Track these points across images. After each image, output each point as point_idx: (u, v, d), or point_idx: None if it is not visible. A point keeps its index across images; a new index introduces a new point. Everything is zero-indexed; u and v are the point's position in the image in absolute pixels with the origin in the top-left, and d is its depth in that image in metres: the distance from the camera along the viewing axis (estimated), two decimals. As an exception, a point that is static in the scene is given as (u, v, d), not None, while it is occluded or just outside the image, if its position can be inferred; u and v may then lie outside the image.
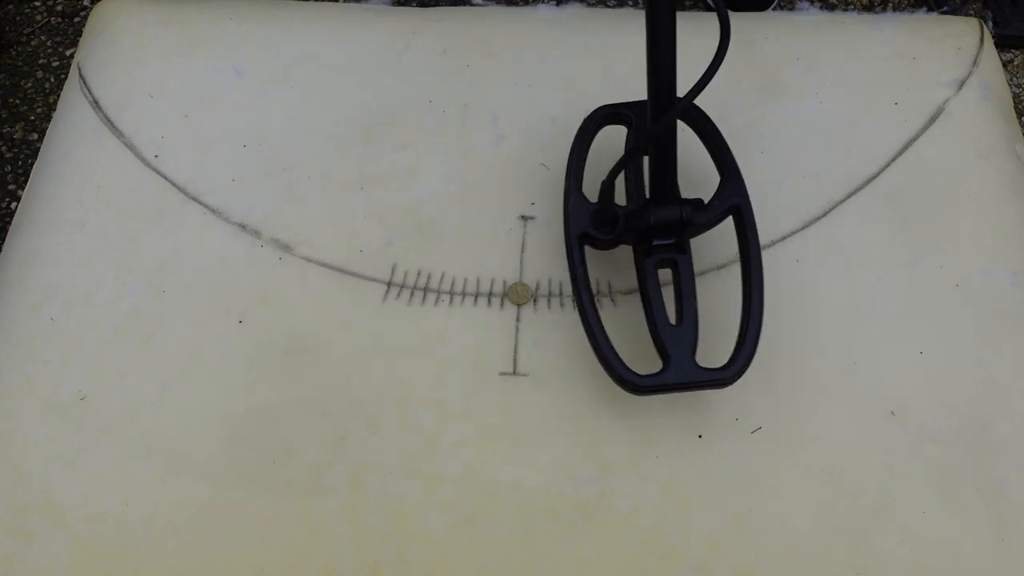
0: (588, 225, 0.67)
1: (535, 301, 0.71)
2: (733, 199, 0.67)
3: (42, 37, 1.54)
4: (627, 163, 0.61)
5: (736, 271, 0.67)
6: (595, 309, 0.65)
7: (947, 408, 0.67)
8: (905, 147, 0.78)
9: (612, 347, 0.63)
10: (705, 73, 0.57)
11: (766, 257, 0.73)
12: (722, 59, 0.57)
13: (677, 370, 0.63)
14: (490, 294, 0.71)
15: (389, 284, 0.72)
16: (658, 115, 0.63)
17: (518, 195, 0.75)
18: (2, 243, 0.78)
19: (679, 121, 0.69)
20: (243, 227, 0.74)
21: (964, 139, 0.78)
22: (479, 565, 0.63)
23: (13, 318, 0.71)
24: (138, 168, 0.77)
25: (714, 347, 0.67)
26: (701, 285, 0.71)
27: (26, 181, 1.19)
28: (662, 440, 0.66)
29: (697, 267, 0.72)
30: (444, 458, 0.65)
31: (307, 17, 0.86)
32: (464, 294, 0.71)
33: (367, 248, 0.73)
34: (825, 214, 0.75)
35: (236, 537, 0.63)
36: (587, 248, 0.68)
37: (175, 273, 0.72)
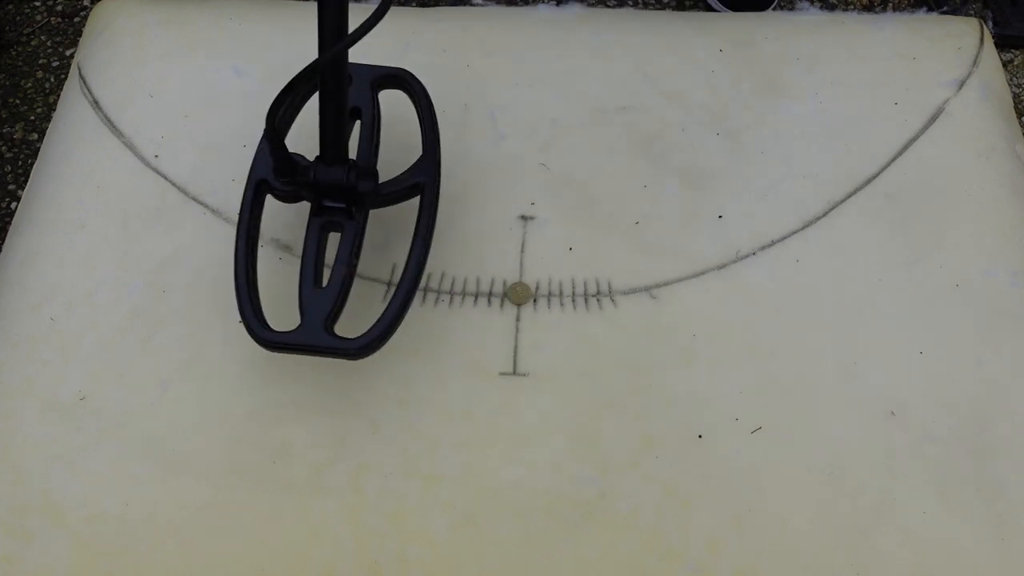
0: (269, 172, 0.64)
1: (535, 301, 0.71)
2: (420, 177, 0.66)
3: (42, 37, 1.54)
4: (281, 102, 0.58)
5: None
6: (250, 259, 0.63)
7: (947, 408, 0.67)
8: (905, 147, 0.78)
9: (254, 299, 0.62)
10: (373, 13, 0.55)
11: (766, 257, 0.73)
12: (387, 7, 0.55)
13: (307, 332, 0.61)
14: (490, 294, 0.71)
15: (389, 284, 0.72)
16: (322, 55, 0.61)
17: (518, 195, 0.75)
18: (2, 243, 0.78)
19: (402, 92, 0.69)
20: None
21: (964, 139, 0.78)
22: (479, 565, 0.63)
23: (13, 318, 0.71)
24: (138, 168, 0.77)
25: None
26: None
27: (26, 181, 1.19)
28: (662, 440, 0.66)
29: (689, 269, 0.72)
30: (444, 458, 0.65)
31: (307, 17, 0.86)
32: (464, 294, 0.71)
33: (367, 248, 0.73)
34: (825, 214, 0.75)
35: (236, 537, 0.63)
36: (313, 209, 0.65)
37: (175, 273, 0.72)
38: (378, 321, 0.61)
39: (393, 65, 0.72)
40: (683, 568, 0.62)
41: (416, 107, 0.69)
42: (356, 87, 0.69)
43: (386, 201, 0.67)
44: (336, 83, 0.62)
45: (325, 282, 0.64)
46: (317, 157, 0.64)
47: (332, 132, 0.63)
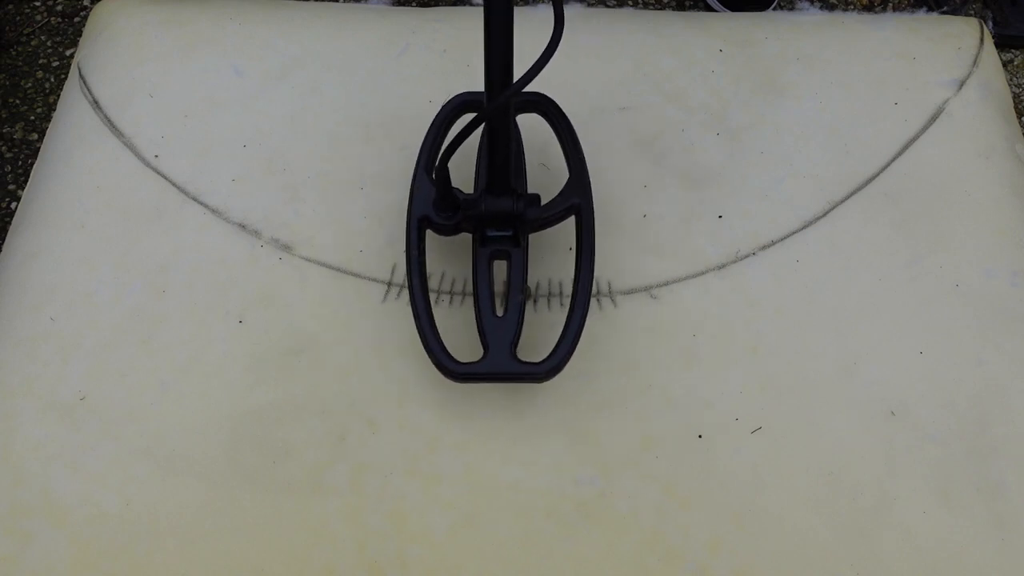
0: (430, 209, 0.66)
1: (535, 301, 0.71)
2: (574, 199, 0.67)
3: (42, 37, 1.54)
4: (456, 147, 0.60)
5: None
6: (426, 295, 0.65)
7: (947, 408, 0.67)
8: (905, 147, 0.78)
9: (436, 333, 0.63)
10: (538, 60, 0.56)
11: (766, 257, 0.73)
12: (556, 46, 0.56)
13: (494, 360, 0.63)
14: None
15: (389, 284, 0.72)
16: (491, 101, 0.62)
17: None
18: (2, 243, 0.78)
19: (540, 117, 0.70)
20: (243, 227, 0.74)
21: (964, 139, 0.78)
22: (479, 565, 0.63)
23: (13, 318, 0.71)
24: (138, 168, 0.77)
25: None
26: (688, 286, 0.71)
27: (26, 181, 1.19)
28: (662, 440, 0.66)
29: (689, 269, 0.72)
30: (444, 458, 0.65)
31: (307, 17, 0.86)
32: (464, 294, 0.71)
33: (367, 248, 0.73)
34: (825, 214, 0.75)
35: (236, 537, 0.63)
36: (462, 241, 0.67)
37: (175, 273, 0.72)
38: (560, 343, 0.63)
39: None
40: (683, 568, 0.62)
41: (555, 130, 0.71)
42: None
43: (543, 225, 0.68)
44: (503, 121, 0.63)
45: (501, 311, 0.66)
46: (483, 189, 0.66)
47: (501, 165, 0.65)
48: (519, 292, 0.66)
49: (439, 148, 0.69)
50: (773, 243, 0.74)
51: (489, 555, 0.63)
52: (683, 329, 0.70)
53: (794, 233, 0.74)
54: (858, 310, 0.71)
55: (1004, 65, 1.35)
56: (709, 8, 1.51)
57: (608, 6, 1.53)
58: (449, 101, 0.71)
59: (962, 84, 0.81)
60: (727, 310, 0.71)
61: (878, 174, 0.77)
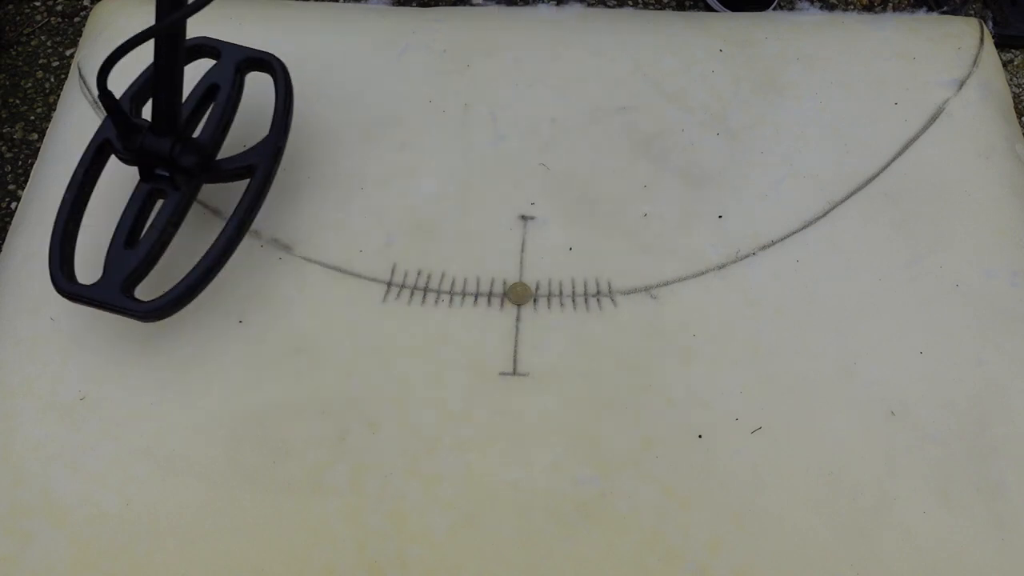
0: (114, 134, 0.66)
1: (535, 301, 0.71)
2: (253, 159, 0.68)
3: (42, 37, 1.54)
4: (115, 59, 0.59)
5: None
6: (77, 212, 0.65)
7: (947, 408, 0.67)
8: (905, 147, 0.78)
9: (66, 249, 0.63)
10: None
11: (766, 257, 0.73)
12: None
13: (101, 288, 0.63)
14: (490, 294, 0.71)
15: (389, 284, 0.72)
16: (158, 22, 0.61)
17: (518, 195, 0.75)
18: (2, 243, 0.78)
19: (266, 75, 0.70)
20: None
21: (964, 139, 0.78)
22: (479, 565, 0.63)
23: (13, 318, 0.71)
24: (138, 168, 0.77)
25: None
26: (685, 287, 0.71)
27: (26, 181, 1.19)
28: (662, 440, 0.66)
29: (689, 269, 0.72)
30: (444, 458, 0.65)
31: (307, 17, 0.86)
32: (464, 294, 0.71)
33: (367, 248, 0.73)
34: (825, 214, 0.75)
35: (236, 537, 0.63)
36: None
37: (175, 273, 0.72)
38: (173, 288, 0.63)
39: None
40: (683, 568, 0.62)
41: (277, 92, 0.71)
42: (221, 66, 0.71)
43: (218, 178, 0.69)
44: (169, 55, 0.63)
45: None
46: (149, 125, 0.66)
47: (163, 103, 0.64)
48: (158, 231, 0.65)
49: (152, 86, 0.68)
50: (773, 243, 0.74)
51: (489, 555, 0.63)
52: (683, 329, 0.70)
53: (794, 233, 0.74)
54: (858, 310, 0.71)
55: (1004, 65, 1.35)
56: (709, 8, 1.51)
57: (608, 6, 1.53)
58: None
59: (962, 84, 0.81)
60: (727, 310, 0.71)
61: (878, 174, 0.77)
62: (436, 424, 0.66)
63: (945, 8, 1.55)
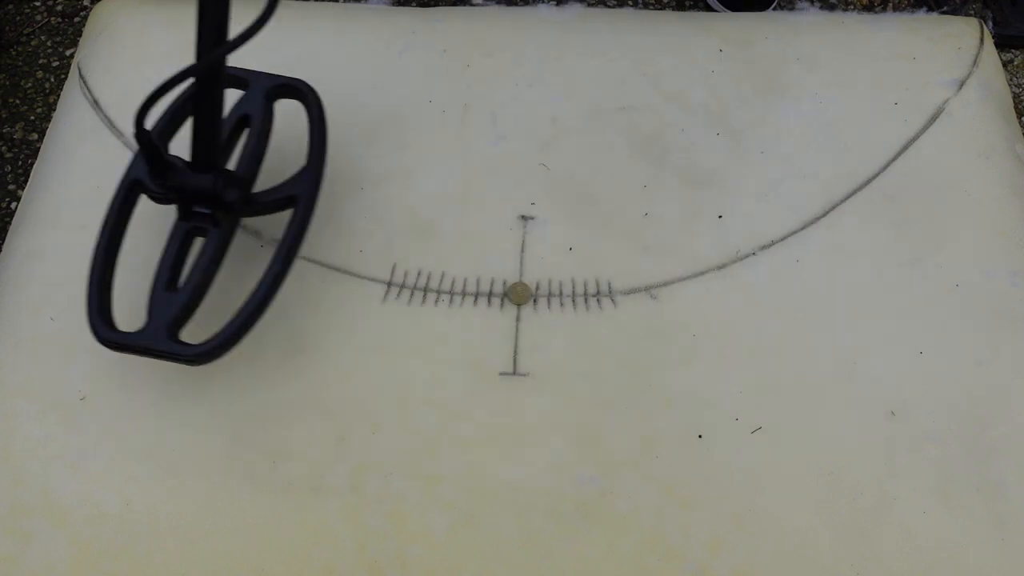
0: (145, 173, 0.64)
1: (535, 301, 0.71)
2: (294, 189, 0.66)
3: (42, 37, 1.54)
4: (155, 99, 0.57)
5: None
6: (111, 256, 0.63)
7: (947, 408, 0.67)
8: (905, 147, 0.78)
9: (103, 296, 0.61)
10: (252, 25, 0.54)
11: (766, 257, 0.73)
12: (272, 11, 0.54)
13: (148, 334, 0.61)
14: (490, 294, 0.71)
15: (389, 284, 0.72)
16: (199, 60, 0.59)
17: (518, 195, 0.75)
18: (2, 243, 0.78)
19: (297, 102, 0.69)
20: (243, 227, 0.74)
21: (964, 139, 0.78)
22: (479, 565, 0.63)
23: (13, 318, 0.71)
24: (138, 168, 0.77)
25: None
26: (683, 288, 0.71)
27: (26, 181, 1.19)
28: (662, 440, 0.66)
29: (689, 269, 0.72)
30: (444, 458, 0.65)
31: (307, 17, 0.86)
32: (464, 294, 0.71)
33: (367, 248, 0.73)
34: (825, 214, 0.75)
35: (236, 537, 0.63)
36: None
37: (175, 273, 0.72)
38: (222, 330, 0.61)
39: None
40: (683, 568, 0.62)
41: (309, 120, 0.69)
42: (250, 95, 0.69)
43: (258, 211, 0.67)
44: (210, 89, 0.61)
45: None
46: (187, 162, 0.63)
47: (203, 138, 0.63)
48: (202, 272, 0.63)
49: (167, 115, 0.66)
50: (773, 243, 0.74)
51: (489, 555, 0.63)
52: (683, 329, 0.70)
53: (794, 233, 0.74)
54: (858, 310, 0.71)
55: (1004, 65, 1.35)
56: (709, 8, 1.51)
57: (608, 6, 1.53)
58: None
59: (962, 84, 0.81)
60: (727, 310, 0.71)
61: (878, 174, 0.77)
62: (436, 424, 0.66)
63: (945, 8, 1.55)
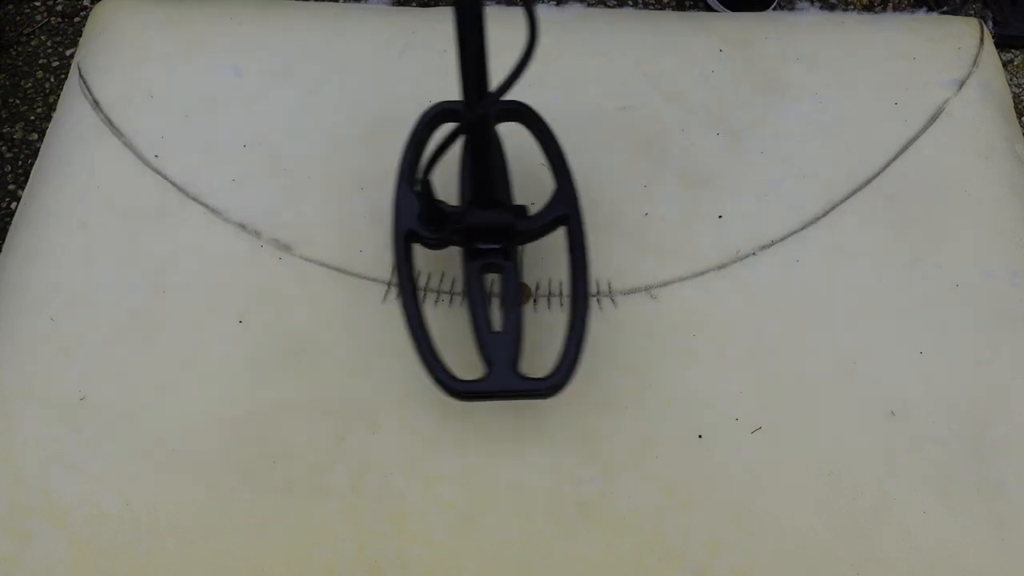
0: (415, 222, 0.65)
1: (535, 301, 0.71)
2: (563, 209, 0.66)
3: (42, 37, 1.54)
4: (436, 160, 0.59)
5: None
6: (419, 310, 0.63)
7: (947, 408, 0.67)
8: (905, 147, 0.78)
9: (433, 349, 0.62)
10: (514, 69, 0.54)
11: (766, 257, 0.73)
12: (531, 53, 0.54)
13: (497, 377, 0.61)
14: (490, 294, 0.71)
15: (389, 284, 0.72)
16: (468, 112, 0.61)
17: (518, 195, 0.75)
18: (2, 243, 0.78)
19: (522, 126, 0.69)
20: (243, 227, 0.74)
21: (964, 139, 0.78)
22: (479, 565, 0.63)
23: (13, 318, 0.71)
24: (138, 168, 0.77)
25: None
26: (682, 287, 0.71)
27: (26, 181, 1.19)
28: (662, 440, 0.66)
29: (689, 269, 0.72)
30: (444, 458, 0.65)
31: (307, 17, 0.86)
32: (464, 294, 0.71)
33: (367, 248, 0.73)
34: (825, 214, 0.75)
35: (236, 537, 0.63)
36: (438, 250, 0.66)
37: (175, 273, 0.72)
38: (563, 358, 0.62)
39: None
40: (683, 568, 0.62)
41: (538, 139, 0.69)
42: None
43: (532, 237, 0.67)
44: (483, 132, 0.62)
45: (497, 326, 0.64)
46: (469, 201, 0.65)
47: (484, 177, 0.64)
48: (515, 305, 0.64)
49: (419, 158, 0.68)
50: (773, 243, 0.74)
51: (489, 555, 0.63)
52: (683, 329, 0.70)
53: (794, 233, 0.74)
54: (858, 310, 0.71)
55: (1004, 65, 1.35)
56: (709, 8, 1.51)
57: (608, 6, 1.53)
58: (427, 111, 0.69)
59: (962, 84, 0.81)
60: (727, 310, 0.71)
61: (878, 174, 0.77)
62: (436, 424, 0.66)
63: (945, 8, 1.55)
